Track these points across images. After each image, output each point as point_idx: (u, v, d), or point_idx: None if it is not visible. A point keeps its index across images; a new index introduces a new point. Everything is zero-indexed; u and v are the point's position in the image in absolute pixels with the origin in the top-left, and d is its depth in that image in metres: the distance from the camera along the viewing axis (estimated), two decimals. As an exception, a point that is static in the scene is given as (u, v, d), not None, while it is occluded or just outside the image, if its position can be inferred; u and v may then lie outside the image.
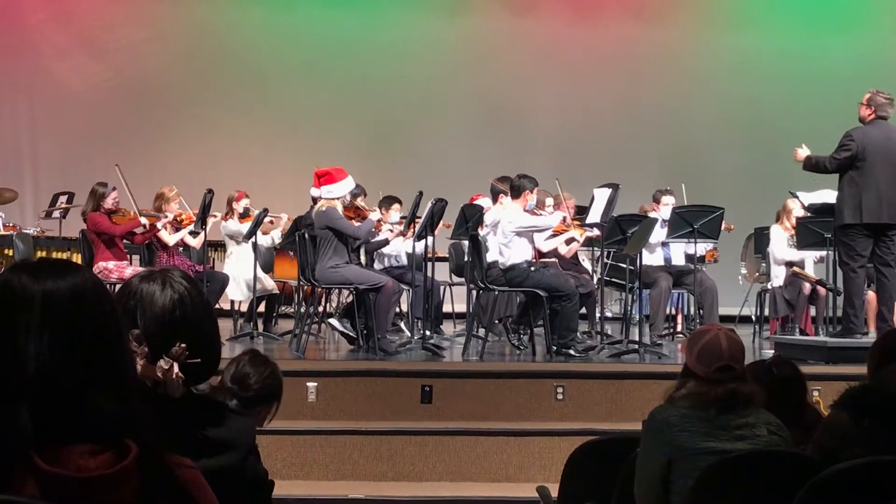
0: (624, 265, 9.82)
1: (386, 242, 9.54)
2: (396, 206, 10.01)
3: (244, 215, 10.10)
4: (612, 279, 10.38)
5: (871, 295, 8.94)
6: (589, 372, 7.51)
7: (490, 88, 14.10)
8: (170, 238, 9.53)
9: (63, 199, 11.77)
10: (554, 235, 9.53)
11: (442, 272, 10.85)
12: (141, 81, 13.70)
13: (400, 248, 9.93)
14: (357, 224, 8.54)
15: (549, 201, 9.76)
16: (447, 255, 10.91)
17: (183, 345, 2.17)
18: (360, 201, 9.17)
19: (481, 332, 9.34)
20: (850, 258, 8.17)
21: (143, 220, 9.25)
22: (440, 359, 8.21)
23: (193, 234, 9.82)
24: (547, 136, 14.09)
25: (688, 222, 9.17)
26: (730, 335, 3.73)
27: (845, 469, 3.15)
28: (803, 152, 8.46)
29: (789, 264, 10.14)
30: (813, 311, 10.30)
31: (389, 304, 8.40)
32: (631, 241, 8.89)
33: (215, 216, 9.91)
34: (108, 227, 9.11)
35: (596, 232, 9.43)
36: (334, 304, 11.49)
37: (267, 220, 10.06)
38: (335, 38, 13.95)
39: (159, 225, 9.46)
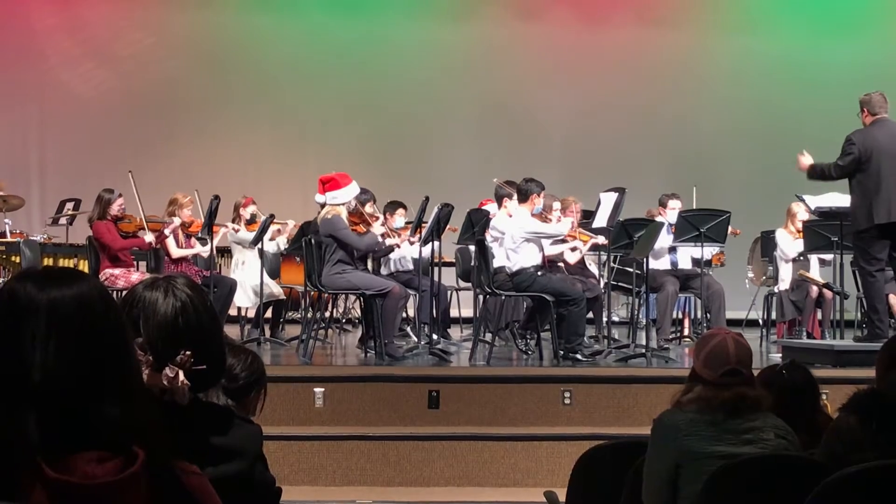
0: (630, 269, 9.81)
1: (391, 250, 9.46)
2: (401, 210, 10.00)
3: (251, 221, 10.11)
4: (619, 283, 10.36)
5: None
6: (596, 376, 7.50)
7: (498, 94, 14.10)
8: (174, 251, 9.54)
9: (70, 205, 11.78)
10: (561, 242, 9.53)
11: (449, 277, 10.84)
12: (149, 88, 13.71)
13: (407, 252, 9.91)
14: (361, 233, 8.53)
15: (557, 205, 9.76)
16: (454, 260, 10.91)
17: (188, 352, 2.17)
18: (368, 207, 9.17)
19: (488, 336, 9.33)
20: (867, 262, 8.05)
21: (149, 239, 9.28)
22: (447, 364, 8.21)
23: (202, 240, 9.83)
24: (554, 141, 14.09)
25: (694, 226, 9.16)
26: (737, 339, 3.72)
27: (854, 473, 3.14)
28: (806, 160, 8.25)
29: (796, 260, 10.11)
30: (820, 315, 10.28)
31: (396, 309, 8.40)
32: (637, 245, 8.88)
33: (227, 226, 9.93)
34: (110, 241, 9.14)
35: (602, 239, 9.41)
36: (341, 310, 11.50)
37: (274, 228, 10.07)
38: (343, 44, 13.96)
39: (167, 232, 9.47)
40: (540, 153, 13.74)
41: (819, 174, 8.19)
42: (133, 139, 13.50)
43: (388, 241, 9.12)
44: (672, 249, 10.06)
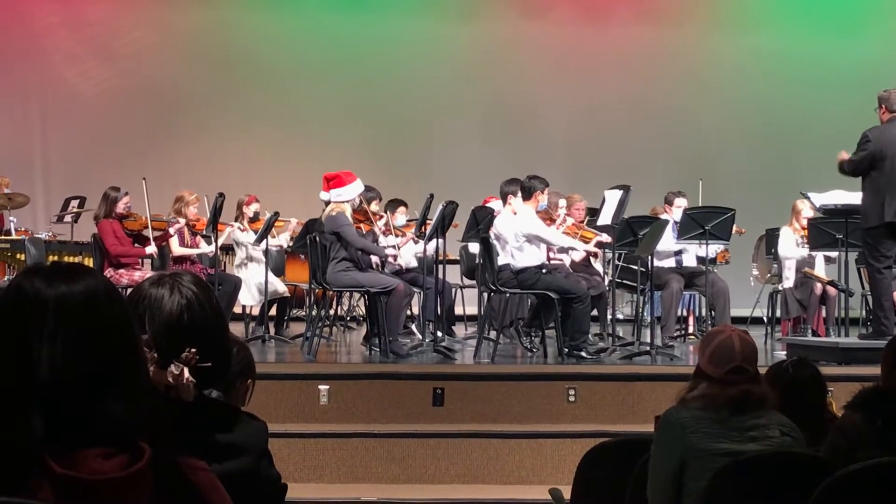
0: (635, 267, 9.81)
1: (385, 258, 9.30)
2: (402, 208, 10.00)
3: (254, 219, 10.12)
4: (624, 281, 10.36)
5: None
6: (601, 374, 7.50)
7: (500, 92, 14.09)
8: (176, 248, 9.55)
9: (75, 203, 11.79)
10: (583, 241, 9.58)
11: (453, 275, 10.84)
12: (151, 86, 13.73)
13: (410, 258, 9.89)
14: (365, 231, 8.52)
15: (563, 202, 9.76)
16: (458, 258, 10.91)
17: (193, 350, 2.17)
18: (373, 206, 9.16)
19: (493, 334, 9.33)
20: (876, 259, 7.99)
21: (150, 250, 9.31)
22: (452, 361, 8.21)
23: (206, 238, 9.83)
24: (558, 139, 14.08)
25: (699, 224, 9.16)
26: (743, 336, 3.71)
27: (859, 470, 3.14)
28: (842, 156, 8.10)
29: (799, 264, 10.10)
30: (825, 312, 10.26)
31: (400, 306, 8.40)
32: (642, 242, 8.88)
33: (232, 226, 9.94)
34: (109, 246, 9.16)
35: (606, 237, 9.40)
36: (345, 307, 11.50)
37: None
38: (346, 42, 13.96)
39: (172, 231, 9.49)
40: (543, 150, 13.73)
41: (841, 169, 8.11)
42: (136, 137, 13.52)
43: (390, 245, 9.06)
44: (678, 252, 10.08)
